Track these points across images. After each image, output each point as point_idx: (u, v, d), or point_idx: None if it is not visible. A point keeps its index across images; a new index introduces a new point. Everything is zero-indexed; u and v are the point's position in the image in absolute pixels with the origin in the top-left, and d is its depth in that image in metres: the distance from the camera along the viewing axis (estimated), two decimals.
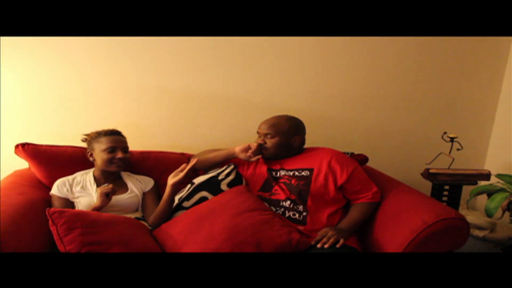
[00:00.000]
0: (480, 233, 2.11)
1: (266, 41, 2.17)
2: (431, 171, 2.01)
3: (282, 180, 1.76)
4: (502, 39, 2.36)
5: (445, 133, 2.10)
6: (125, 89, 2.13)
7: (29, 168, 1.87)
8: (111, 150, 1.70)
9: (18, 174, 1.85)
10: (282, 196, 1.70)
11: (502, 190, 1.92)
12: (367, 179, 1.76)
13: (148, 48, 2.10)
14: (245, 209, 1.55)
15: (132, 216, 1.67)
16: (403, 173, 2.23)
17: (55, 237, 1.31)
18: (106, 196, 1.60)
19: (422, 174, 2.08)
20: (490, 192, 1.95)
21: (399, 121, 2.41)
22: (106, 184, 1.65)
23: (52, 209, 1.35)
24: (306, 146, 1.91)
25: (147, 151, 1.98)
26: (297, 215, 1.65)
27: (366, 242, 1.65)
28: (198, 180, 1.80)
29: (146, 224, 1.66)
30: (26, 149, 1.78)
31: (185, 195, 1.75)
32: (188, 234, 1.48)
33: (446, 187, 2.05)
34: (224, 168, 1.81)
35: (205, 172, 1.88)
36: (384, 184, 1.81)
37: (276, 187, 1.74)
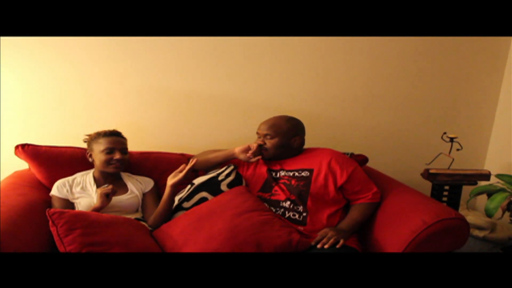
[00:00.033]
0: (480, 233, 2.11)
1: (266, 41, 2.17)
2: (431, 171, 2.01)
3: (282, 181, 1.76)
4: (502, 39, 2.36)
5: (444, 133, 2.10)
6: (126, 90, 2.13)
7: (29, 169, 1.86)
8: (109, 151, 1.70)
9: (18, 175, 1.85)
10: (282, 196, 1.70)
11: (502, 190, 1.92)
12: (367, 179, 1.77)
13: (149, 49, 2.10)
14: (245, 210, 1.55)
15: (132, 216, 1.67)
16: (403, 173, 2.23)
17: (55, 237, 1.31)
18: (106, 197, 1.60)
19: (422, 175, 2.08)
20: (490, 192, 1.95)
21: (399, 122, 2.41)
22: (106, 185, 1.65)
23: (52, 209, 1.35)
24: (306, 146, 1.91)
25: (147, 152, 1.98)
26: (297, 216, 1.65)
27: (366, 242, 1.65)
28: (198, 180, 1.80)
29: (146, 225, 1.66)
30: (26, 150, 1.78)
31: (185, 195, 1.75)
32: (188, 235, 1.49)
33: (446, 187, 2.05)
34: (224, 168, 1.81)
35: (205, 172, 1.88)
36: (384, 185, 1.81)
37: (276, 188, 1.74)
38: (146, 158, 1.95)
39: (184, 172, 1.65)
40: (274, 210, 1.66)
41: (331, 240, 1.49)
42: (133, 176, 1.85)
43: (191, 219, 1.57)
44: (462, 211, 2.22)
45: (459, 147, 2.10)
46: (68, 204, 1.68)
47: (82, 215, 1.40)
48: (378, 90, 2.34)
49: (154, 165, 1.93)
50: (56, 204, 1.67)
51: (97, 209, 1.58)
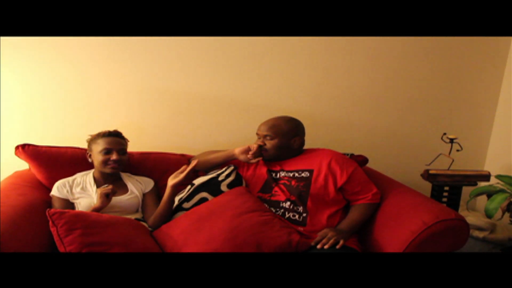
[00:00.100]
0: (480, 234, 2.11)
1: (267, 41, 2.17)
2: (430, 172, 2.01)
3: (282, 181, 1.76)
4: (502, 39, 2.36)
5: (444, 134, 2.10)
6: (126, 90, 2.13)
7: (29, 169, 1.87)
8: (106, 151, 1.70)
9: (18, 175, 1.85)
10: (282, 197, 1.70)
11: (501, 191, 1.93)
12: (367, 180, 1.77)
13: (149, 49, 2.10)
14: (245, 210, 1.55)
15: (132, 217, 1.68)
16: (403, 174, 2.23)
17: (55, 238, 1.31)
18: (106, 197, 1.60)
19: (422, 175, 2.08)
20: (490, 193, 1.95)
21: (399, 122, 2.41)
22: (106, 185, 1.65)
23: (52, 210, 1.35)
24: (306, 147, 1.91)
25: (147, 152, 1.99)
26: (297, 216, 1.65)
27: (366, 243, 1.65)
28: (198, 181, 1.80)
29: (146, 225, 1.66)
30: (26, 150, 1.78)
31: (185, 196, 1.75)
32: (188, 235, 1.49)
33: (446, 188, 2.05)
34: (224, 169, 1.81)
35: (205, 173, 1.89)
36: (384, 185, 1.81)
37: (276, 188, 1.74)
38: (146, 158, 1.95)
39: (185, 173, 1.65)
40: (274, 211, 1.66)
41: (331, 241, 1.49)
42: (133, 176, 1.85)
43: (191, 219, 1.57)
44: (462, 212, 2.22)
45: (459, 148, 2.11)
46: (68, 204, 1.68)
47: (82, 215, 1.40)
48: (378, 91, 2.34)
49: (154, 165, 1.93)
50: (56, 204, 1.67)
51: (97, 209, 1.58)
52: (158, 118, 2.18)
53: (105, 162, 1.70)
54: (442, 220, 1.46)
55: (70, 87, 2.08)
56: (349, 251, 1.52)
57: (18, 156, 1.80)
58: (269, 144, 1.81)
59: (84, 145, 1.82)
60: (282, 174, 1.79)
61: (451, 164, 2.07)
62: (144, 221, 1.71)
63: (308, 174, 1.74)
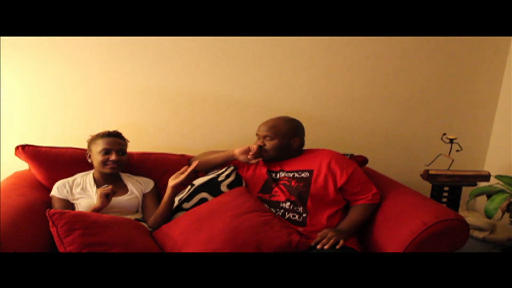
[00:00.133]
0: (480, 234, 2.11)
1: (267, 42, 2.17)
2: (430, 172, 2.01)
3: (282, 182, 1.76)
4: (502, 40, 2.36)
5: (444, 134, 2.10)
6: (126, 90, 2.13)
7: (29, 170, 1.87)
8: (106, 152, 1.70)
9: (18, 176, 1.85)
10: (282, 197, 1.70)
11: (501, 191, 1.93)
12: (367, 180, 1.77)
13: (149, 49, 2.10)
14: (245, 211, 1.55)
15: (132, 217, 1.68)
16: (403, 174, 2.23)
17: (56, 238, 1.31)
18: (106, 197, 1.60)
19: (422, 176, 2.08)
20: (490, 193, 1.95)
21: (399, 122, 2.41)
22: (105, 185, 1.65)
23: (52, 210, 1.35)
24: (305, 147, 1.91)
25: (147, 153, 1.99)
26: (297, 217, 1.65)
27: (366, 243, 1.65)
28: (198, 181, 1.80)
29: (146, 226, 1.66)
30: (26, 151, 1.78)
31: (185, 196, 1.75)
32: (188, 235, 1.49)
33: (446, 188, 2.05)
34: (224, 169, 1.81)
35: (205, 173, 1.89)
36: (383, 186, 1.81)
37: (276, 189, 1.74)
38: (146, 158, 1.95)
39: (185, 173, 1.66)
40: (274, 211, 1.66)
41: (331, 241, 1.49)
42: (133, 176, 1.85)
43: (191, 219, 1.57)
44: (462, 212, 2.22)
45: (459, 148, 2.11)
46: (68, 204, 1.68)
47: (82, 215, 1.40)
48: (378, 91, 2.34)
49: (154, 165, 1.93)
50: (56, 204, 1.67)
51: (97, 210, 1.58)
52: (158, 118, 2.19)
53: (104, 163, 1.70)
54: (442, 220, 1.46)
55: (70, 87, 2.08)
56: (349, 251, 1.52)
57: (18, 157, 1.80)
58: (269, 144, 1.81)
59: (84, 145, 1.82)
60: (282, 174, 1.79)
61: (451, 164, 2.07)
62: (144, 221, 1.71)
63: (308, 175, 1.74)
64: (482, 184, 2.08)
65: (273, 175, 1.81)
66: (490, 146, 2.51)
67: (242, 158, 1.82)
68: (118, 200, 1.69)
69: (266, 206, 1.66)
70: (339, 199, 1.73)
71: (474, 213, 2.36)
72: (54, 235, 1.32)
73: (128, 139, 1.82)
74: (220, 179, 1.78)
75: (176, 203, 1.74)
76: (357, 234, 1.67)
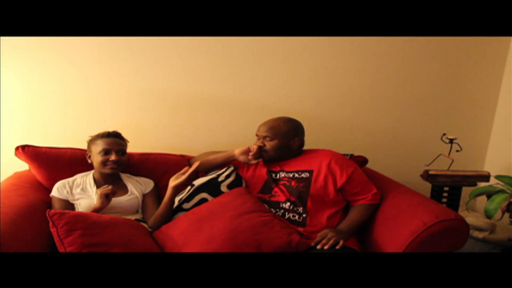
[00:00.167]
0: (479, 235, 2.11)
1: (266, 42, 2.17)
2: (430, 172, 2.01)
3: (282, 182, 1.76)
4: (502, 40, 2.36)
5: (444, 134, 2.10)
6: (126, 90, 2.13)
7: (29, 170, 1.87)
8: (105, 152, 1.70)
9: (18, 176, 1.85)
10: (282, 198, 1.70)
11: (501, 191, 1.93)
12: (367, 180, 1.77)
13: (149, 49, 2.10)
14: (245, 211, 1.55)
15: (132, 217, 1.68)
16: (403, 174, 2.23)
17: (56, 238, 1.31)
18: (106, 198, 1.60)
19: (422, 176, 2.08)
20: (490, 194, 1.95)
21: (399, 123, 2.41)
22: (105, 186, 1.65)
23: (52, 210, 1.35)
24: (305, 148, 1.91)
25: (147, 153, 1.99)
26: (297, 217, 1.65)
27: (365, 243, 1.65)
28: (198, 181, 1.80)
29: (146, 226, 1.66)
30: (26, 151, 1.78)
31: (185, 196, 1.75)
32: (188, 236, 1.49)
33: (446, 188, 2.05)
34: (224, 169, 1.81)
35: (205, 174, 1.89)
36: (383, 186, 1.81)
37: (276, 189, 1.74)
38: (146, 159, 1.95)
39: (186, 174, 1.66)
40: (274, 211, 1.66)
41: (331, 241, 1.49)
42: (133, 177, 1.85)
43: (191, 220, 1.57)
44: (462, 212, 2.22)
45: (459, 148, 2.11)
46: (68, 205, 1.68)
47: (82, 216, 1.40)
48: (378, 91, 2.34)
49: (154, 166, 1.94)
50: (56, 205, 1.67)
51: (97, 210, 1.58)
52: (158, 118, 2.19)
53: (104, 163, 1.70)
54: (442, 221, 1.46)
55: (70, 88, 2.08)
56: (349, 252, 1.52)
57: (18, 157, 1.80)
58: (268, 145, 1.81)
59: (84, 145, 1.82)
60: (282, 174, 1.79)
61: (450, 164, 2.07)
62: (144, 221, 1.71)
63: (308, 175, 1.74)
64: (482, 184, 2.08)
65: (273, 175, 1.81)
66: (490, 146, 2.51)
67: (242, 158, 1.82)
68: (118, 200, 1.69)
69: (266, 206, 1.66)
70: (339, 199, 1.73)
71: (474, 213, 2.36)
72: (54, 235, 1.32)
73: (128, 140, 1.83)
74: (220, 179, 1.78)
75: (176, 203, 1.74)
76: (357, 234, 1.67)
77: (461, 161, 2.22)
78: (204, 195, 1.74)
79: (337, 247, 1.48)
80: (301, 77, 2.26)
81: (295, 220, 1.64)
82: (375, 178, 1.89)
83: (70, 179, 1.75)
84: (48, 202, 1.69)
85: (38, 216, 1.49)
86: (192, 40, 2.11)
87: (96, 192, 1.66)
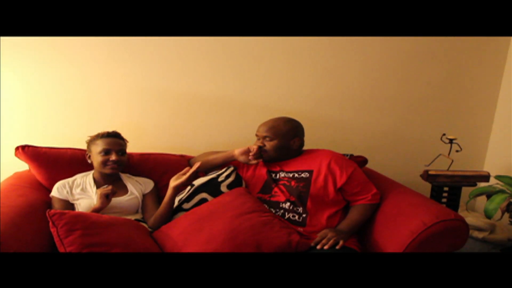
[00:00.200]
0: (479, 235, 2.12)
1: (266, 42, 2.17)
2: (430, 172, 2.01)
3: (281, 182, 1.76)
4: (501, 40, 2.36)
5: (444, 134, 2.11)
6: (126, 90, 2.13)
7: (29, 170, 1.87)
8: (106, 152, 1.71)
9: (18, 176, 1.85)
10: (281, 198, 1.70)
11: (501, 191, 1.93)
12: (367, 180, 1.77)
13: (149, 49, 2.10)
14: (245, 211, 1.55)
15: (132, 217, 1.68)
16: (402, 174, 2.23)
17: (56, 238, 1.31)
18: (106, 198, 1.60)
19: (422, 176, 2.08)
20: (490, 194, 1.96)
21: (398, 123, 2.41)
22: (105, 186, 1.65)
23: (52, 210, 1.35)
24: (305, 148, 1.91)
25: (147, 153, 1.99)
26: (296, 217, 1.65)
27: (365, 243, 1.65)
28: (198, 181, 1.80)
29: (146, 226, 1.67)
30: (26, 151, 1.78)
31: (185, 196, 1.75)
32: (188, 236, 1.49)
33: (446, 188, 2.05)
34: (224, 170, 1.81)
35: (204, 174, 1.89)
36: (383, 186, 1.81)
37: (276, 189, 1.74)
38: (146, 159, 1.95)
39: (187, 174, 1.66)
40: (274, 211, 1.66)
41: (331, 241, 1.49)
42: (133, 177, 1.85)
43: (191, 220, 1.57)
44: (462, 212, 2.22)
45: (459, 149, 2.11)
46: (68, 205, 1.68)
47: (82, 216, 1.40)
48: (378, 91, 2.34)
49: (154, 166, 1.94)
50: (56, 205, 1.67)
51: (97, 210, 1.58)
52: (158, 118, 2.19)
53: (104, 163, 1.71)
54: (441, 221, 1.46)
55: (70, 88, 2.08)
56: (349, 252, 1.52)
57: (18, 157, 1.80)
58: (268, 145, 1.81)
59: (84, 145, 1.82)
60: (282, 174, 1.79)
61: (450, 164, 2.07)
62: (144, 222, 1.71)
63: (308, 175, 1.74)
64: (481, 184, 2.08)
65: (273, 175, 1.81)
66: (489, 146, 2.51)
67: (242, 158, 1.82)
68: (118, 200, 1.70)
69: (266, 206, 1.67)
70: (339, 199, 1.73)
71: (474, 213, 2.36)
72: (54, 235, 1.32)
73: (128, 140, 1.83)
74: (220, 179, 1.78)
75: (176, 203, 1.74)
76: (357, 234, 1.67)
77: (461, 161, 2.22)
78: (204, 195, 1.74)
79: (337, 247, 1.48)
80: (301, 77, 2.26)
81: (295, 220, 1.65)
82: (375, 178, 1.89)
83: (70, 179, 1.75)
84: (48, 202, 1.69)
85: (38, 216, 1.49)
86: (192, 40, 2.12)
87: (96, 192, 1.66)
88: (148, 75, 2.13)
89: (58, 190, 1.69)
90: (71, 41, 2.03)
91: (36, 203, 1.61)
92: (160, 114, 2.19)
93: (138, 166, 1.91)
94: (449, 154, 2.09)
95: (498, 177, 2.01)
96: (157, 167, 1.93)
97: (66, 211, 1.40)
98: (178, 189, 1.68)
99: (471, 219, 2.14)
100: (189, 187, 1.79)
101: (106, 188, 1.61)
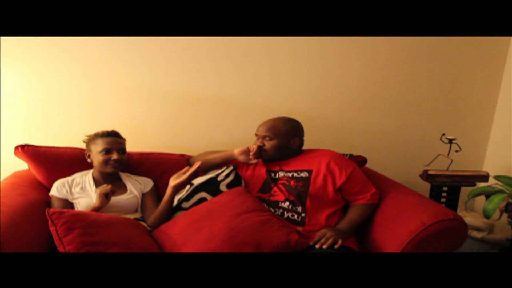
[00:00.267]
0: (478, 235, 2.12)
1: (266, 42, 2.17)
2: (429, 172, 2.02)
3: (281, 182, 1.76)
4: (501, 40, 2.36)
5: (443, 134, 2.11)
6: (125, 90, 2.13)
7: (29, 170, 1.87)
8: (106, 151, 1.71)
9: (18, 175, 1.85)
10: (281, 197, 1.71)
11: (500, 191, 1.93)
12: (366, 180, 1.77)
13: (149, 49, 2.10)
14: (244, 210, 1.55)
15: (132, 216, 1.68)
16: (402, 174, 2.23)
17: (55, 237, 1.31)
18: (105, 197, 1.60)
19: (421, 176, 2.08)
20: (488, 194, 1.96)
21: (398, 123, 2.41)
22: (105, 185, 1.66)
23: (51, 209, 1.35)
24: (305, 147, 1.91)
25: (147, 152, 1.99)
26: (296, 216, 1.65)
27: (364, 243, 1.65)
28: (197, 181, 1.80)
29: (145, 225, 1.67)
30: (26, 151, 1.78)
31: (184, 196, 1.76)
32: (188, 235, 1.49)
33: (445, 188, 2.05)
34: (223, 169, 1.82)
35: (204, 173, 1.89)
36: (382, 186, 1.81)
37: (275, 188, 1.74)
38: (146, 158, 1.95)
39: (187, 174, 1.66)
40: (273, 211, 1.67)
41: (330, 241, 1.49)
42: (133, 176, 1.85)
43: (191, 219, 1.57)
44: (461, 212, 2.23)
45: (458, 149, 2.11)
46: (68, 204, 1.68)
47: (81, 215, 1.40)
48: (377, 91, 2.35)
49: (154, 165, 1.94)
50: (55, 204, 1.67)
51: (96, 209, 1.58)
52: (158, 118, 2.19)
53: (105, 162, 1.71)
54: (440, 220, 1.46)
55: (71, 88, 2.08)
56: (348, 251, 1.52)
57: (18, 157, 1.80)
58: (268, 145, 1.81)
59: (83, 145, 1.82)
60: (281, 174, 1.79)
61: (450, 164, 2.07)
62: (143, 221, 1.71)
63: (307, 174, 1.74)
64: (481, 184, 2.08)
65: (272, 175, 1.81)
66: (489, 147, 2.51)
67: (241, 158, 1.83)
68: (118, 199, 1.70)
69: (265, 205, 1.67)
70: (338, 199, 1.73)
71: (473, 213, 2.36)
72: (53, 234, 1.32)
73: (128, 139, 1.83)
74: (219, 178, 1.78)
75: (175, 202, 1.74)
76: (356, 234, 1.68)
77: (460, 161, 2.22)
78: (203, 194, 1.75)
79: (336, 246, 1.48)
80: (301, 77, 2.26)
81: (294, 219, 1.65)
82: (374, 178, 1.89)
83: (69, 178, 1.75)
84: (47, 201, 1.69)
85: (38, 215, 1.49)
86: (193, 40, 2.12)
87: (96, 191, 1.66)
88: (148, 75, 2.13)
89: (58, 189, 1.70)
90: (71, 41, 2.03)
91: (36, 202, 1.61)
92: (160, 114, 2.19)
93: (138, 165, 1.92)
94: (448, 154, 2.09)
95: (497, 177, 2.01)
96: (156, 166, 1.94)
97: (65, 210, 1.41)
98: (178, 188, 1.68)
99: (470, 219, 2.14)
100: (188, 186, 1.79)
101: (106, 187, 1.62)
